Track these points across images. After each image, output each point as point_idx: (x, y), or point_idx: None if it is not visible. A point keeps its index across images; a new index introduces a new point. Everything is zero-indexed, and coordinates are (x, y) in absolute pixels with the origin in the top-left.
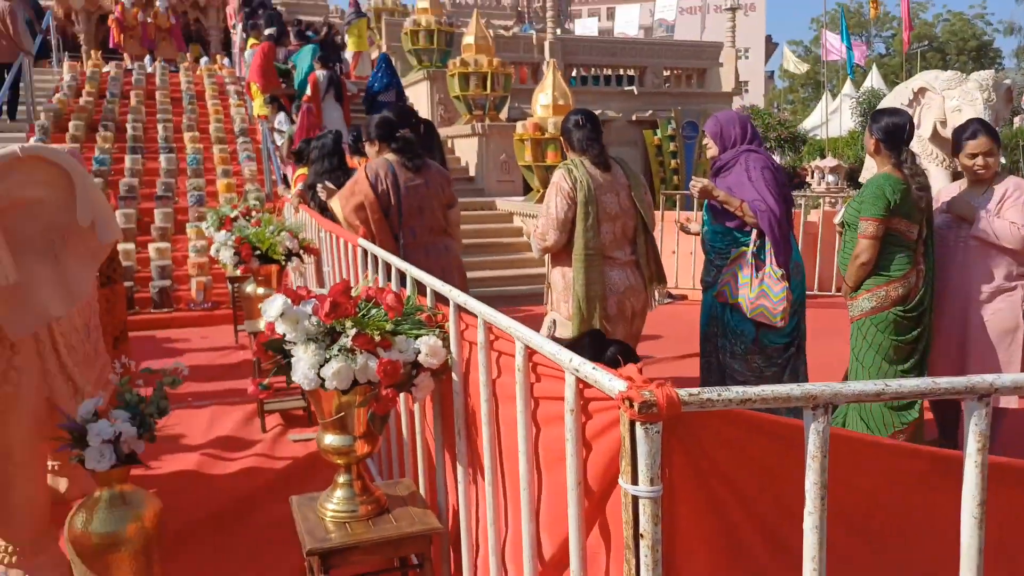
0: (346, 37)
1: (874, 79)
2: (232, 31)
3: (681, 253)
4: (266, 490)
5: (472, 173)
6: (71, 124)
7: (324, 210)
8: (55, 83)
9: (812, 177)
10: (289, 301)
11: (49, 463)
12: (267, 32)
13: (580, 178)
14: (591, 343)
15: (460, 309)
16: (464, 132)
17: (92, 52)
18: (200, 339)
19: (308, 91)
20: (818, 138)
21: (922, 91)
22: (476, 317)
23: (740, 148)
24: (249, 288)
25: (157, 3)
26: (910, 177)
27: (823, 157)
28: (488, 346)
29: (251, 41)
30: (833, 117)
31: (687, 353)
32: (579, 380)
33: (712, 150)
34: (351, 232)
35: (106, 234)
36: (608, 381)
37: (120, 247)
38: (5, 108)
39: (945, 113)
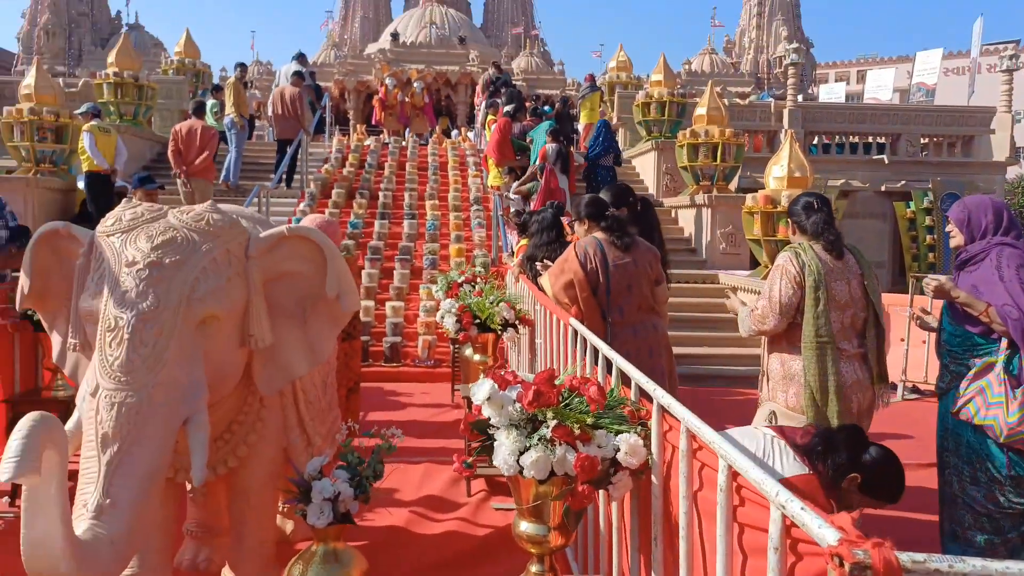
0: (579, 109)
1: None
2: (477, 107)
3: (913, 341)
4: (466, 555)
5: (695, 244)
6: (334, 191)
7: (537, 280)
8: (325, 155)
9: None
10: (496, 386)
11: (280, 505)
12: (505, 109)
13: (809, 262)
14: (847, 440)
15: (664, 410)
16: (689, 203)
17: (358, 126)
18: (421, 394)
19: (537, 162)
20: None
21: None
22: (680, 422)
23: (992, 240)
24: (467, 352)
25: (414, 84)
26: None
27: None
28: (691, 455)
29: (490, 117)
30: None
31: (925, 462)
32: (785, 517)
33: (956, 239)
34: (563, 310)
35: (348, 304)
36: (818, 528)
37: (362, 304)
38: (284, 177)
39: None
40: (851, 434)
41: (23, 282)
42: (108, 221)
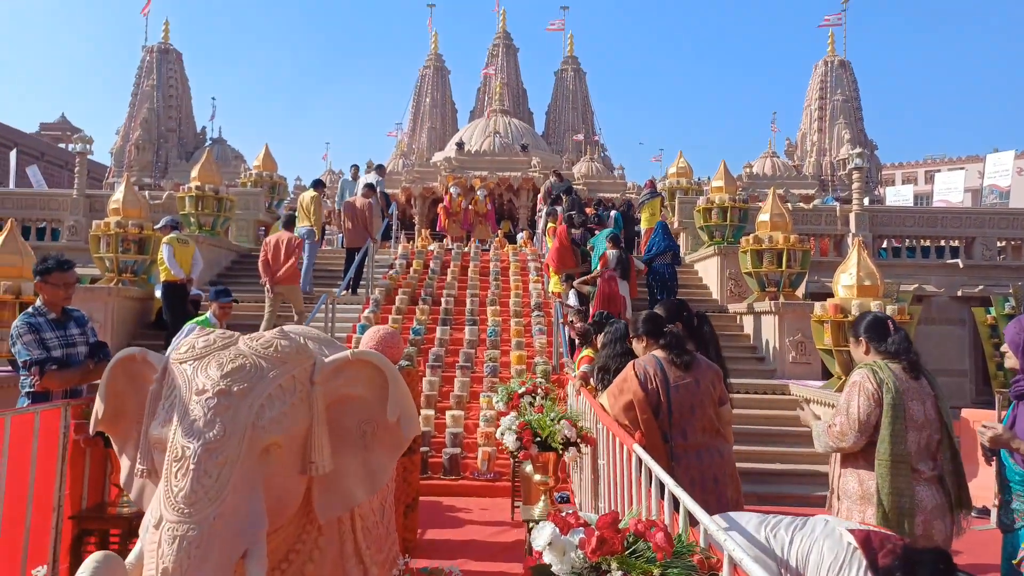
0: (639, 214)
1: None
2: (538, 213)
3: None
4: None
5: (762, 353)
6: (397, 298)
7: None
8: (390, 261)
9: None
10: (558, 531)
11: None
12: (566, 215)
13: (886, 380)
14: (932, 566)
15: (734, 565)
16: (755, 309)
17: (423, 231)
18: (480, 511)
19: (598, 268)
20: None
21: None
22: None
23: None
24: (528, 469)
25: (477, 192)
26: None
27: None
28: None
29: (550, 225)
30: None
31: None
32: None
33: (1012, 361)
34: (626, 432)
35: (409, 430)
36: None
37: (423, 412)
38: (351, 284)
39: None
40: (937, 558)
41: (98, 406)
42: (182, 349)
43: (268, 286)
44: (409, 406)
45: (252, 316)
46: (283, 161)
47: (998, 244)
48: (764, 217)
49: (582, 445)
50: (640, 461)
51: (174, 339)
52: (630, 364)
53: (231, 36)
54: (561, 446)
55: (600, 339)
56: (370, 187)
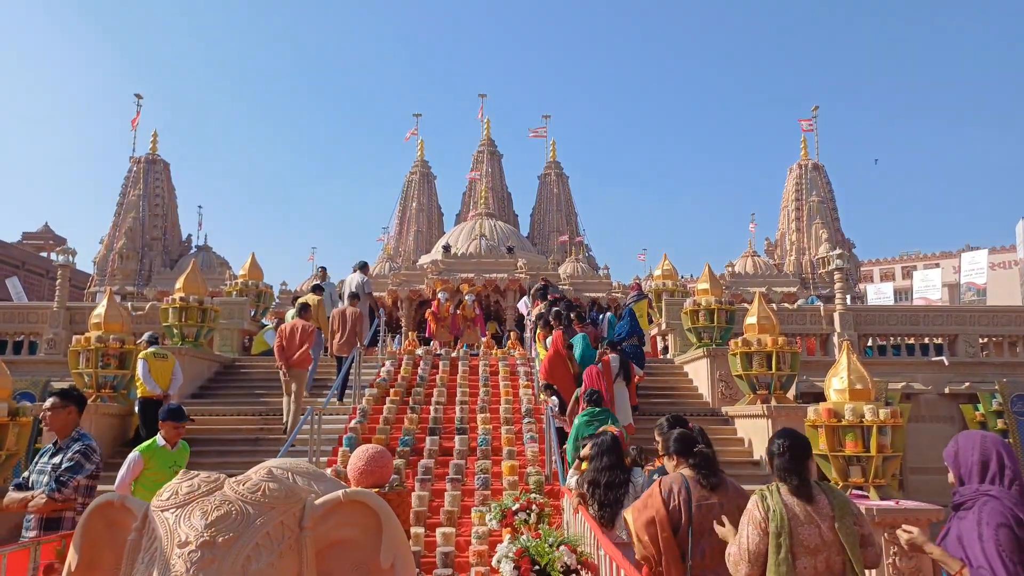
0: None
1: None
2: (526, 316)
3: None
4: None
5: (756, 456)
6: (385, 407)
7: (602, 506)
8: (378, 367)
9: None
10: None
11: None
12: (555, 312)
13: (773, 506)
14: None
15: None
16: (747, 412)
17: (410, 334)
18: None
19: (600, 368)
20: None
21: None
22: None
23: (979, 487)
24: None
25: (465, 297)
26: None
27: None
28: None
29: (539, 331)
30: None
31: None
32: None
33: (950, 475)
34: (633, 568)
35: (403, 575)
36: None
37: (412, 531)
38: (338, 393)
39: None
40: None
41: (71, 557)
42: (164, 495)
43: (283, 370)
44: (404, 550)
45: (238, 430)
46: (269, 265)
47: (980, 341)
48: (751, 320)
49: (583, 572)
50: None
51: (120, 469)
52: (656, 481)
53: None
54: (560, 574)
55: (585, 451)
56: (355, 296)
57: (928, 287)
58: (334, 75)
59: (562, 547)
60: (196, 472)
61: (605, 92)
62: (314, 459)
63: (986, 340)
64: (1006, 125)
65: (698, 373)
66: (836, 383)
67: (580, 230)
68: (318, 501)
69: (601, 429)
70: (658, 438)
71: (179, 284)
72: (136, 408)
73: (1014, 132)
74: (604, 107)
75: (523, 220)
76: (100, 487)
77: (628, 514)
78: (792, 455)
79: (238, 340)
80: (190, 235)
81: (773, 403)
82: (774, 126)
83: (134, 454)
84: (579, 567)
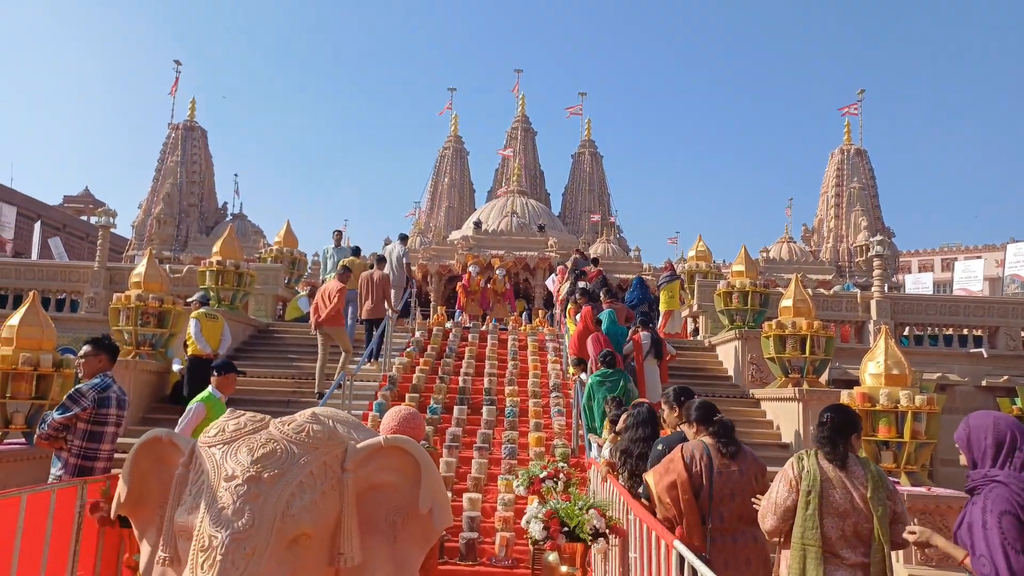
0: (660, 295)
1: None
2: (556, 292)
3: None
4: None
5: (786, 440)
6: (415, 376)
7: (632, 475)
8: (408, 338)
9: None
10: None
11: None
12: (582, 290)
13: (808, 467)
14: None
15: None
16: (779, 395)
17: (439, 307)
18: None
19: (632, 350)
20: None
21: None
22: None
23: (989, 472)
24: (552, 558)
25: (496, 271)
26: None
27: None
28: None
29: (570, 306)
30: None
31: None
32: None
33: (963, 459)
34: (666, 529)
35: (441, 521)
36: None
37: None
38: (373, 353)
39: None
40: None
41: (120, 489)
42: (211, 431)
43: (315, 329)
44: (442, 495)
45: (271, 392)
46: (302, 235)
47: (1022, 335)
48: (787, 303)
49: (611, 536)
50: (682, 559)
51: (180, 419)
52: (679, 447)
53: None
54: (590, 536)
55: (622, 422)
56: (382, 260)
57: (970, 278)
58: (370, 47)
59: (591, 511)
60: (242, 412)
61: (643, 72)
62: None
63: None
64: None
65: (728, 355)
66: (872, 367)
67: (612, 211)
68: (360, 445)
69: (637, 400)
70: (665, 407)
71: (216, 248)
72: (175, 366)
73: None
74: (641, 88)
75: (555, 199)
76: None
77: (649, 477)
78: (833, 426)
79: (272, 306)
80: (226, 203)
81: (805, 387)
82: (817, 110)
83: (196, 404)
84: (607, 531)
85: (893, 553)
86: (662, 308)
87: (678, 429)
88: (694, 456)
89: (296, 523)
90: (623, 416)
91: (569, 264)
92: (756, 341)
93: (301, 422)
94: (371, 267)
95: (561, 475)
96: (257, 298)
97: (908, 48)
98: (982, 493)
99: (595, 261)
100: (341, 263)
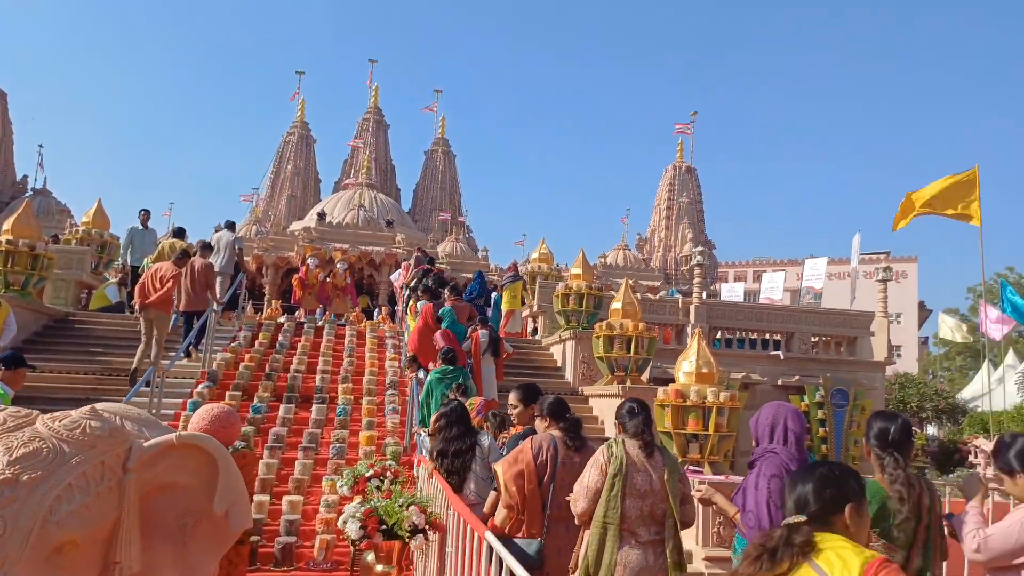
0: (503, 295)
1: None
2: (397, 289)
3: None
4: None
5: (609, 433)
6: (238, 372)
7: (450, 474)
8: (234, 332)
9: (976, 457)
10: None
11: None
12: (424, 285)
13: (617, 453)
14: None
15: None
16: (604, 392)
17: (273, 301)
18: None
19: (470, 348)
20: (980, 410)
21: None
22: None
23: (766, 447)
24: (369, 558)
25: (337, 264)
26: (890, 485)
27: (987, 432)
28: None
29: (411, 303)
30: (997, 388)
31: None
32: None
33: (753, 440)
34: (479, 520)
35: (237, 524)
36: None
37: (256, 499)
38: (189, 349)
39: None
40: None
41: None
42: None
43: (139, 311)
44: (241, 497)
45: (67, 388)
46: (120, 220)
47: (812, 339)
48: (616, 305)
49: (430, 532)
50: (491, 550)
51: None
52: (528, 439)
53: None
54: (408, 533)
55: (432, 424)
56: (207, 248)
57: (773, 288)
58: (210, 19)
59: (412, 507)
60: (3, 406)
61: (498, 75)
62: None
63: (816, 339)
64: (859, 149)
65: (563, 354)
66: (686, 366)
67: (463, 210)
68: (148, 443)
69: (451, 398)
70: (514, 402)
71: (7, 225)
72: None
73: (862, 157)
74: (496, 90)
75: (406, 195)
76: None
77: (498, 467)
78: (646, 416)
79: (74, 293)
80: (26, 176)
81: (628, 384)
82: (655, 126)
83: None
84: (427, 527)
85: (694, 537)
86: (504, 308)
87: (529, 426)
88: (541, 447)
89: (61, 530)
90: (433, 418)
91: (412, 262)
92: (588, 341)
93: (77, 418)
94: (195, 253)
95: (388, 473)
96: (56, 283)
97: (737, 74)
98: (758, 462)
99: (431, 260)
100: (172, 245)
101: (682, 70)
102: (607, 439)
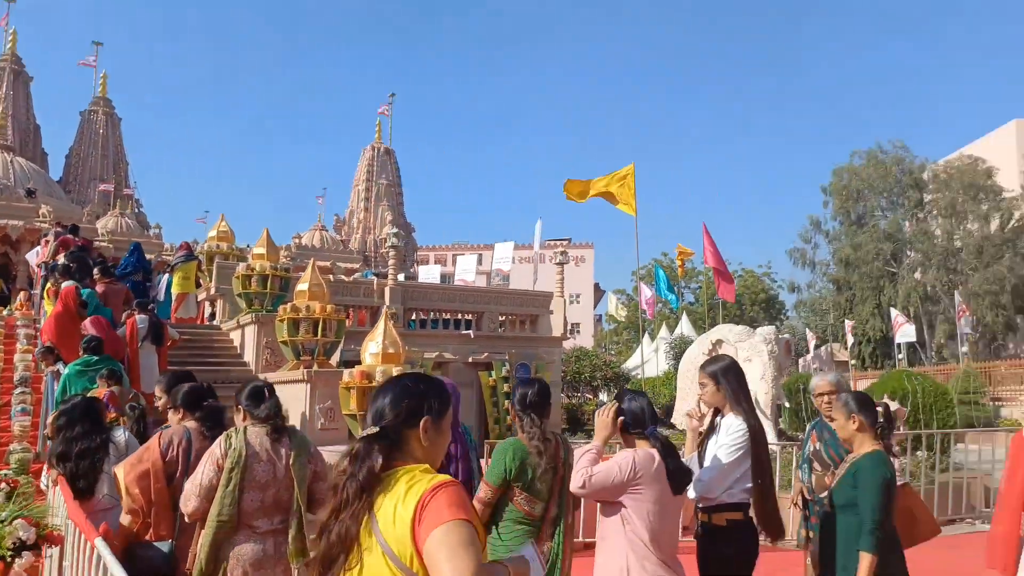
0: (172, 278)
1: (684, 326)
2: (35, 272)
3: None
4: None
5: (292, 422)
6: None
7: (76, 478)
8: None
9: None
10: None
11: None
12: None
13: (235, 445)
14: None
15: None
16: (288, 378)
17: None
18: None
19: (126, 334)
20: (639, 377)
21: (719, 342)
22: None
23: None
24: None
25: None
26: (529, 442)
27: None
28: None
29: (49, 285)
30: (652, 358)
31: None
32: None
33: None
34: (91, 526)
35: None
36: None
37: None
38: None
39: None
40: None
41: None
42: None
43: None
44: None
45: None
46: None
47: (500, 318)
48: (303, 287)
49: (46, 547)
50: (100, 558)
51: None
52: (156, 435)
53: None
54: (11, 552)
55: (50, 426)
56: None
57: (467, 271)
58: None
59: (17, 521)
60: None
61: (188, 36)
62: None
63: (504, 318)
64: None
65: (245, 339)
66: (372, 347)
67: (131, 182)
68: None
69: (75, 394)
70: (160, 395)
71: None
72: None
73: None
74: (181, 54)
75: (55, 161)
76: None
77: (119, 470)
78: (276, 399)
79: None
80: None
81: (314, 369)
82: (353, 106)
83: None
84: (40, 540)
85: None
86: (175, 291)
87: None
88: (172, 442)
89: None
90: (51, 418)
91: (51, 238)
92: (272, 325)
93: None
94: None
95: (4, 484)
96: None
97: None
98: None
99: (75, 231)
100: None
101: (381, 51)
102: (291, 427)
